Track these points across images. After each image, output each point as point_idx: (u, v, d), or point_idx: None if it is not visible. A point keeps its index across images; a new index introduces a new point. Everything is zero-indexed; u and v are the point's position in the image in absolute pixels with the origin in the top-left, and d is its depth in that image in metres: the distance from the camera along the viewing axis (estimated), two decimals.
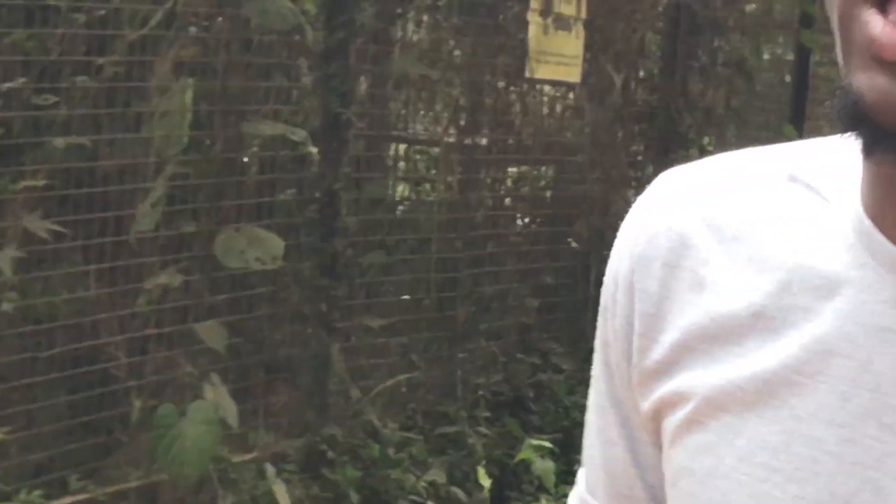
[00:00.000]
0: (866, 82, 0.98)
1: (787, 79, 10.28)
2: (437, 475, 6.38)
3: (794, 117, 9.92)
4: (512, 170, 8.44)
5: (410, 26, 7.74)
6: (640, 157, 9.02)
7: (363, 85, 7.14)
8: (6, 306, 5.37)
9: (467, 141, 7.90)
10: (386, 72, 7.22)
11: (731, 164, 1.26)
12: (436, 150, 7.82)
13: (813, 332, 1.11)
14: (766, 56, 10.27)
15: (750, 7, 9.89)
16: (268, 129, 6.19)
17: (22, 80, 5.51)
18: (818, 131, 10.46)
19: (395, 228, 7.43)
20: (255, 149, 6.46)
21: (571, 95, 8.58)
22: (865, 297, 1.10)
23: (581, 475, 1.38)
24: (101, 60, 5.72)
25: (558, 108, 8.67)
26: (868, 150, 1.02)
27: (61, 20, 5.60)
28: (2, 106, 5.48)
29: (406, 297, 7.53)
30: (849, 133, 1.01)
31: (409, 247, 7.46)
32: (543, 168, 8.63)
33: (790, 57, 10.35)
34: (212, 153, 6.20)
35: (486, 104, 7.95)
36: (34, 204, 5.52)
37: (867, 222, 1.10)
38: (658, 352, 1.23)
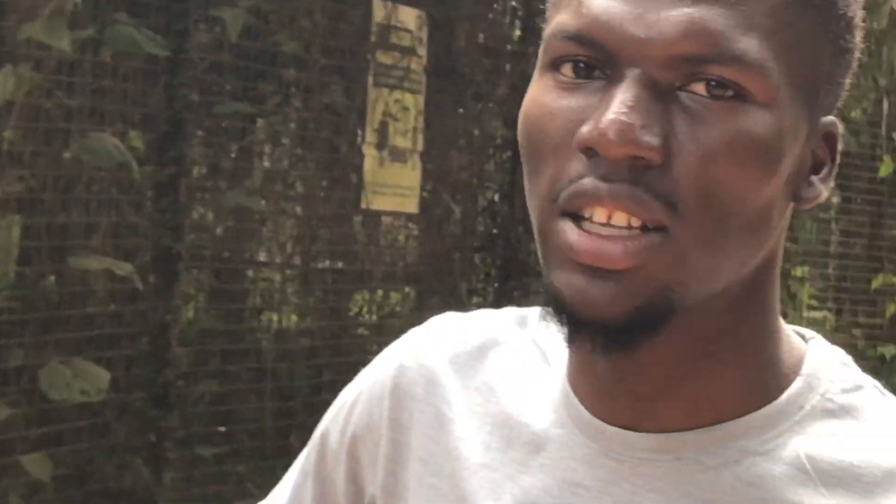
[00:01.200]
0: (564, 281, 1.09)
1: None
2: None
3: None
4: (357, 297, 8.48)
5: (252, 159, 7.79)
6: (479, 285, 9.02)
7: (200, 216, 7.21)
8: None
9: (310, 266, 7.85)
10: (221, 204, 7.28)
11: (492, 320, 1.34)
12: (278, 277, 7.84)
13: (523, 484, 1.21)
14: None
15: None
16: (94, 262, 6.15)
17: None
18: None
19: (231, 357, 7.40)
20: (86, 285, 6.48)
21: (411, 225, 8.61)
22: (564, 453, 1.20)
23: None
24: None
25: (400, 237, 8.73)
26: (569, 339, 1.12)
27: None
28: None
29: (238, 426, 7.40)
30: (552, 322, 1.11)
31: (248, 376, 7.40)
32: (384, 293, 8.64)
33: None
34: (38, 287, 6.19)
35: (324, 234, 7.92)
36: None
37: (568, 388, 1.21)
38: (406, 471, 1.30)
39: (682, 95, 1.09)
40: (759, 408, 1.15)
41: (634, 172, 1.07)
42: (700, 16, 1.07)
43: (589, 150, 1.07)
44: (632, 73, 1.08)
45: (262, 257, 7.76)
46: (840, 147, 1.18)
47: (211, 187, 7.39)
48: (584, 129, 1.07)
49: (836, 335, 12.06)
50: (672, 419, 1.16)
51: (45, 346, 6.12)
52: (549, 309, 1.11)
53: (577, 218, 1.09)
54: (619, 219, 1.08)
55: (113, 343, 6.55)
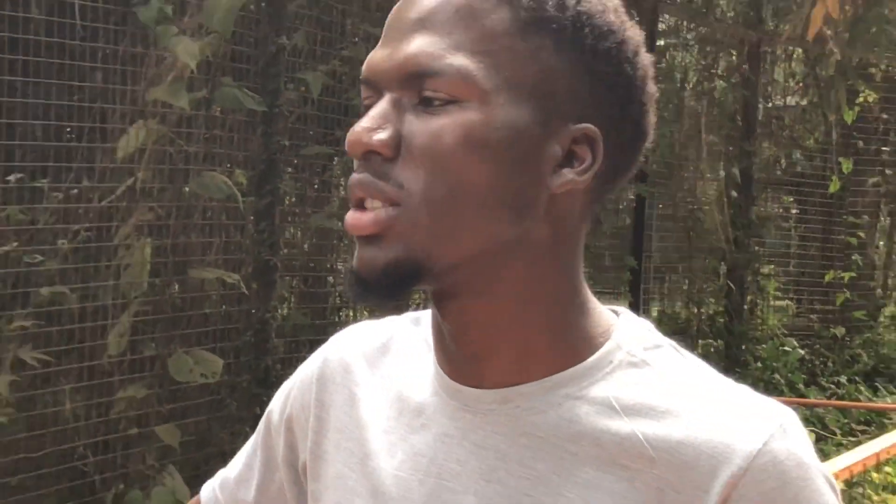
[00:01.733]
0: (354, 254, 1.19)
1: (628, 221, 10.27)
2: None
3: (634, 250, 9.90)
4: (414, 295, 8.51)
5: (331, 190, 7.81)
6: None
7: (291, 235, 7.25)
8: (2, 419, 5.36)
9: None
10: (308, 226, 7.30)
11: (395, 323, 1.41)
12: None
13: (411, 441, 1.27)
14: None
15: None
16: (209, 273, 6.18)
17: (14, 243, 5.52)
18: (652, 260, 10.57)
19: (317, 346, 7.33)
20: (202, 291, 6.51)
21: None
22: (437, 414, 1.26)
23: (219, 474, 1.54)
24: (76, 227, 5.76)
25: None
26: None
27: (45, 197, 5.68)
28: (0, 265, 5.50)
29: None
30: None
31: None
32: None
33: (630, 203, 10.27)
34: (166, 294, 6.20)
35: None
36: (25, 339, 5.53)
37: (436, 364, 1.27)
38: (326, 441, 1.37)
39: (419, 108, 1.16)
40: (574, 365, 1.20)
41: (373, 165, 1.16)
42: (419, 44, 1.16)
43: (351, 155, 1.19)
44: (385, 95, 1.18)
45: (339, 266, 7.76)
46: (600, 150, 1.20)
47: (299, 212, 7.42)
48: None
49: (797, 319, 12.07)
50: (506, 377, 1.20)
51: (172, 340, 6.14)
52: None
53: (356, 204, 1.18)
54: (370, 201, 1.16)
55: (224, 336, 6.56)
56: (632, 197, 10.10)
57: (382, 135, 1.16)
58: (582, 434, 1.17)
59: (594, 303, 1.25)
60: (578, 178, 1.18)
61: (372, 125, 1.17)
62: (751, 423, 1.13)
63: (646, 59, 1.24)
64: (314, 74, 6.86)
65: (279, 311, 6.86)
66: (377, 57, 1.20)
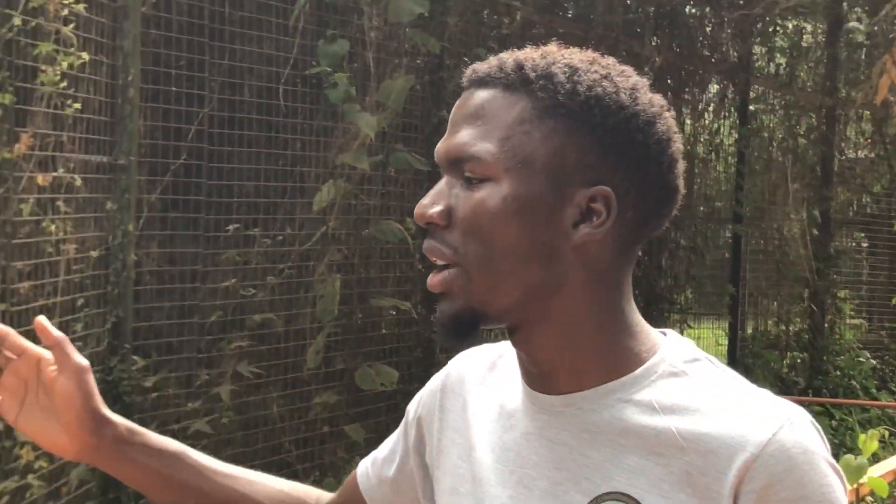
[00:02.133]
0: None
1: (727, 255, 10.16)
2: None
3: (732, 280, 9.82)
4: None
5: None
6: None
7: None
8: (224, 420, 5.51)
9: None
10: None
11: (501, 346, 1.44)
12: None
13: (504, 439, 1.33)
14: (711, 241, 10.22)
15: (699, 211, 9.73)
16: (386, 302, 6.28)
17: (233, 280, 5.67)
18: (747, 287, 10.44)
19: None
20: (381, 316, 6.60)
21: None
22: (522, 416, 1.32)
23: (370, 455, 1.61)
24: (281, 266, 5.90)
25: None
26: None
27: (256, 242, 5.80)
28: (221, 297, 5.67)
29: None
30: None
31: None
32: None
33: (728, 240, 10.21)
34: (352, 318, 6.27)
35: None
36: (241, 356, 5.68)
37: (521, 378, 1.33)
38: (445, 437, 1.42)
39: (462, 185, 1.24)
40: (625, 375, 1.24)
41: (435, 232, 1.25)
42: (461, 136, 1.24)
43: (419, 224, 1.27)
44: (444, 176, 1.27)
45: None
46: (615, 206, 1.23)
47: None
48: None
49: (869, 334, 11.88)
50: (569, 386, 1.26)
51: (357, 356, 6.21)
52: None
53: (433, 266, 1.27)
54: (435, 260, 1.26)
55: (399, 352, 6.61)
56: (729, 235, 10.08)
57: (437, 209, 1.24)
58: (628, 429, 1.22)
59: (642, 325, 1.28)
60: (595, 231, 1.22)
61: (430, 201, 1.26)
62: (763, 418, 1.17)
63: (663, 125, 1.26)
64: None
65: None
66: (440, 145, 1.28)
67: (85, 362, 1.48)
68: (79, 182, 4.82)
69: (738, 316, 9.95)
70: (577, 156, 1.21)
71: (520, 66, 1.24)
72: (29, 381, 1.49)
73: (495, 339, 1.51)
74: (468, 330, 1.24)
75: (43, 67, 4.57)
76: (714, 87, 10.05)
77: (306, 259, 6.05)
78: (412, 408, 1.52)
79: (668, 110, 1.28)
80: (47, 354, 1.49)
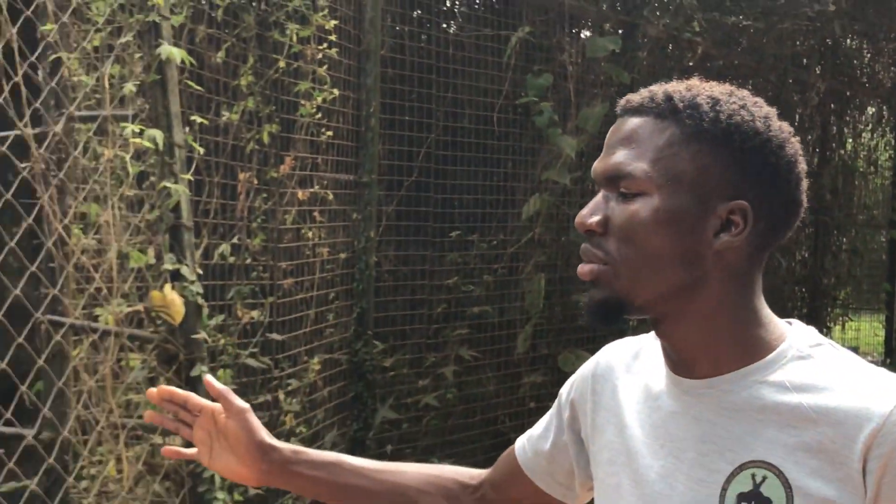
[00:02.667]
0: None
1: (884, 257, 9.85)
2: None
3: (888, 279, 9.49)
4: None
5: None
6: (799, 303, 8.56)
7: None
8: (449, 395, 5.54)
9: None
10: None
11: (644, 338, 1.42)
12: None
13: (652, 418, 1.32)
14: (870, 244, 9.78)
15: (858, 218, 9.41)
16: (584, 297, 6.18)
17: (455, 278, 5.70)
18: None
19: None
20: (578, 309, 6.51)
21: None
22: (668, 398, 1.30)
23: (527, 432, 1.57)
24: (495, 266, 5.90)
25: None
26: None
27: (474, 246, 5.87)
28: (446, 293, 5.76)
29: None
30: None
31: None
32: None
33: (884, 243, 9.91)
34: (553, 311, 6.21)
35: None
36: (462, 342, 5.72)
37: (665, 364, 1.31)
38: (598, 417, 1.41)
39: (618, 199, 1.24)
40: (759, 360, 1.23)
41: (592, 238, 1.25)
42: (614, 157, 1.24)
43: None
44: (601, 191, 1.27)
45: None
46: (751, 218, 1.22)
47: None
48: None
49: None
50: (709, 371, 1.25)
51: (559, 342, 6.16)
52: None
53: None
54: (589, 259, 1.26)
55: (595, 340, 6.36)
56: (885, 240, 9.74)
57: (595, 218, 1.24)
58: (766, 406, 1.21)
59: (770, 317, 1.27)
60: (734, 239, 1.21)
61: (588, 212, 1.25)
62: (884, 392, 1.16)
63: (791, 149, 1.25)
64: None
65: (630, 323, 6.80)
66: (597, 164, 1.27)
67: (245, 405, 1.56)
68: (330, 196, 4.89)
69: (893, 310, 9.63)
70: (719, 174, 1.21)
71: (669, 98, 1.25)
72: (210, 430, 1.57)
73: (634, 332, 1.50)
74: (612, 317, 1.24)
75: (302, 102, 4.64)
76: (871, 110, 9.74)
77: (516, 260, 6.05)
78: (565, 391, 1.51)
79: (794, 136, 1.28)
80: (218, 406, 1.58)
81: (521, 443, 1.56)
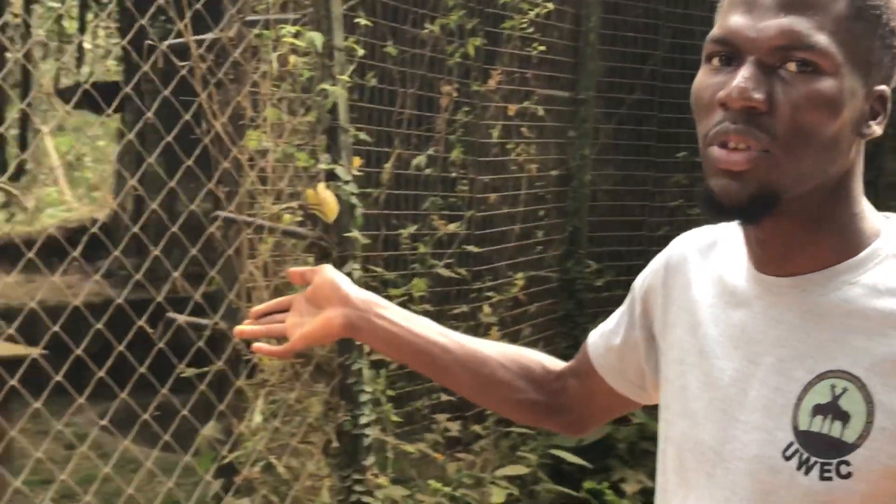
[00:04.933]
0: (714, 183, 1.07)
1: None
2: None
3: None
4: None
5: None
6: None
7: None
8: None
9: None
10: None
11: (722, 227, 1.27)
12: None
13: (729, 314, 1.18)
14: None
15: None
16: None
17: (680, 200, 5.45)
18: None
19: None
20: None
21: None
22: (748, 294, 1.17)
23: (599, 327, 1.45)
24: None
25: None
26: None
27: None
28: (668, 215, 5.46)
29: None
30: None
31: None
32: None
33: None
34: None
35: None
36: None
37: (748, 259, 1.17)
38: (670, 312, 1.28)
39: (781, 71, 1.06)
40: (850, 258, 1.10)
41: (750, 117, 1.05)
42: (788, 22, 1.05)
43: (724, 105, 1.06)
44: (749, 59, 1.06)
45: None
46: (889, 103, 1.11)
47: None
48: (722, 93, 1.06)
49: None
50: (798, 268, 1.12)
51: None
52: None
53: (722, 145, 1.06)
54: (742, 144, 1.06)
55: None
56: None
57: (760, 94, 1.04)
58: (854, 311, 1.07)
59: (870, 211, 1.13)
60: (878, 128, 1.11)
61: (750, 85, 1.04)
62: None
63: None
64: None
65: None
66: (741, 24, 1.07)
67: (325, 266, 1.48)
68: (541, 112, 4.73)
69: None
70: (877, 56, 1.09)
71: None
72: (301, 309, 1.48)
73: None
74: (762, 212, 1.08)
75: (512, 15, 4.50)
76: None
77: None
78: (637, 284, 1.37)
79: None
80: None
81: (594, 337, 1.45)
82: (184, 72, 2.87)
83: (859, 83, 1.07)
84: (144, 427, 2.95)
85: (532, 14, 4.59)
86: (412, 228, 4.15)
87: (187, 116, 2.86)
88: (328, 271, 1.45)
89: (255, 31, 3.06)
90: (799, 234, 1.11)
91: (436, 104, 4.24)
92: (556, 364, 1.49)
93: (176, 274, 2.87)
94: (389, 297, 4.07)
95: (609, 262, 5.23)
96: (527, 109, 4.70)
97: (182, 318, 2.98)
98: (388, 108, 4.04)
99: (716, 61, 1.09)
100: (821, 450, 1.05)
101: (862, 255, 1.09)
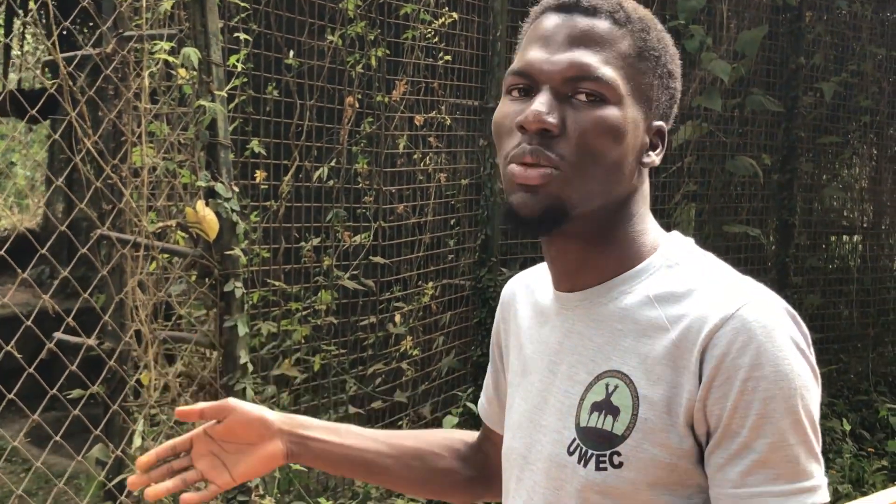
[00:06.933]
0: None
1: None
2: None
3: None
4: None
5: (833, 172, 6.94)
6: None
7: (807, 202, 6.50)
8: None
9: None
10: (822, 196, 6.54)
11: (537, 268, 1.37)
12: None
13: (540, 332, 1.28)
14: None
15: None
16: (737, 228, 5.70)
17: None
18: None
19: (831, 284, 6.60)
20: (731, 241, 6.00)
21: None
22: (550, 313, 1.27)
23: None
24: None
25: None
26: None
27: None
28: None
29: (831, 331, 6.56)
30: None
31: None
32: None
33: None
34: (705, 245, 5.79)
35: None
36: None
37: (550, 281, 1.26)
38: (509, 344, 1.38)
39: (573, 100, 1.13)
40: (628, 271, 1.18)
41: (544, 139, 1.12)
42: (578, 56, 1.13)
43: (522, 128, 1.13)
44: (544, 88, 1.13)
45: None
46: (667, 138, 1.20)
47: (814, 185, 6.57)
48: (520, 117, 1.13)
49: None
50: (586, 282, 1.20)
51: None
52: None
53: (520, 163, 1.13)
54: (537, 162, 1.12)
55: (752, 273, 6.00)
56: None
57: (553, 118, 1.12)
58: (626, 317, 1.16)
59: (655, 230, 1.21)
60: (656, 158, 1.20)
61: (544, 110, 1.12)
62: (732, 297, 1.09)
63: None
64: (827, 84, 6.12)
65: (797, 256, 6.18)
66: (538, 57, 1.15)
67: (227, 399, 1.38)
68: (449, 122, 4.63)
69: None
70: (656, 94, 1.18)
71: (621, 5, 1.18)
72: (212, 449, 1.37)
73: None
74: (553, 225, 1.14)
75: (413, 25, 4.40)
76: None
77: (664, 189, 5.59)
78: (493, 332, 1.47)
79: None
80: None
81: (481, 398, 1.52)
82: (51, 90, 2.73)
83: (641, 115, 1.15)
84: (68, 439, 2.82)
85: (436, 24, 4.50)
86: (315, 241, 4.05)
87: (55, 136, 2.73)
88: (239, 407, 1.36)
89: (130, 46, 2.93)
90: (585, 250, 1.18)
91: (338, 115, 4.13)
92: (472, 436, 1.54)
93: (47, 296, 2.73)
94: (290, 311, 3.99)
95: (521, 269, 5.14)
96: (434, 119, 4.61)
97: (58, 336, 2.85)
98: (287, 120, 3.92)
99: (515, 93, 1.16)
100: (596, 443, 1.13)
101: (638, 267, 1.18)
